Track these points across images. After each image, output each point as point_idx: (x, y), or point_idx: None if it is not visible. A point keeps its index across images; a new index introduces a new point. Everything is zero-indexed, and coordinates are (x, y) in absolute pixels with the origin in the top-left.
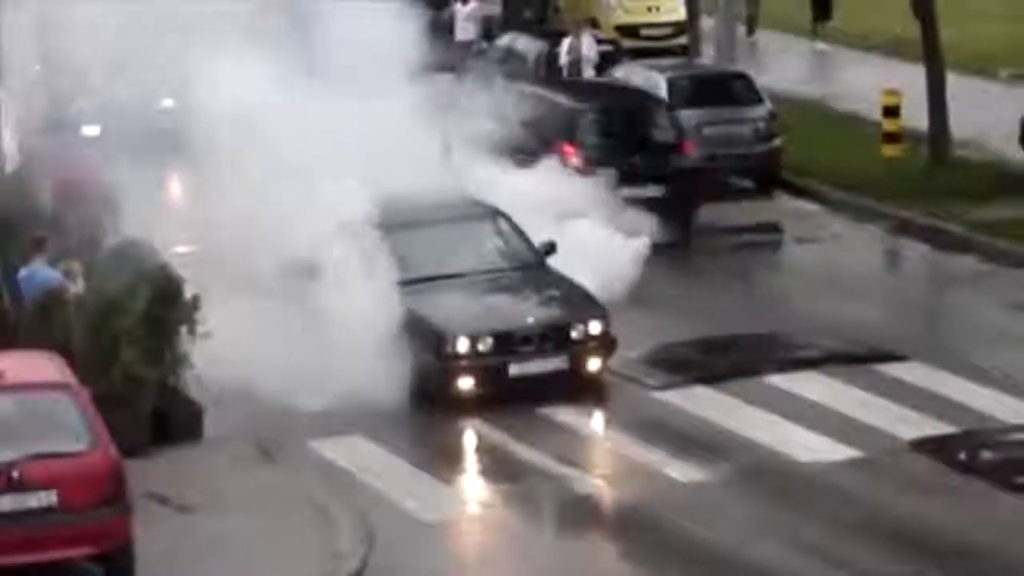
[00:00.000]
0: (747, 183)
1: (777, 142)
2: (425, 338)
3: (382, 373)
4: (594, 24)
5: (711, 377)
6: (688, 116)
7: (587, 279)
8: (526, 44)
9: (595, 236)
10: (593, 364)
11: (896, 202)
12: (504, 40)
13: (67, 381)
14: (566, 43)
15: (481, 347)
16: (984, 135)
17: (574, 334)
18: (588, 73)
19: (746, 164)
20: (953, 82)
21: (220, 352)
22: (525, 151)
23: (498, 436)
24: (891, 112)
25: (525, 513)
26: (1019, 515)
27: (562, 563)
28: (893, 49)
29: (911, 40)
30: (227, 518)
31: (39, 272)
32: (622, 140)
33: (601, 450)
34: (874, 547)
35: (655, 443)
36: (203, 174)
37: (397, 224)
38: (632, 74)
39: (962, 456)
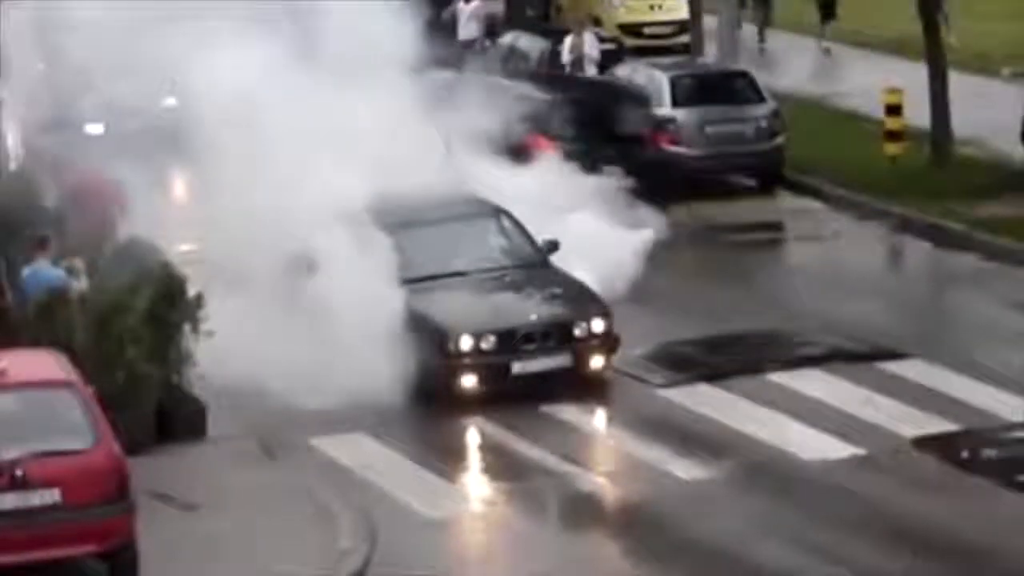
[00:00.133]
0: (749, 181)
1: (779, 140)
2: (428, 336)
3: (385, 371)
4: (597, 22)
5: (714, 375)
6: (690, 114)
7: (589, 273)
8: (529, 43)
9: (597, 230)
10: (596, 362)
11: (898, 200)
12: (507, 39)
13: (70, 379)
14: (568, 42)
15: (484, 345)
16: (986, 133)
17: (577, 332)
18: (591, 72)
19: (748, 162)
20: (955, 80)
21: (223, 350)
22: (511, 145)
23: (501, 434)
24: (893, 110)
25: (528, 511)
26: (1021, 513)
27: (565, 561)
28: (895, 47)
29: (913, 38)
30: (230, 516)
31: (42, 271)
32: (594, 132)
33: (604, 448)
34: (876, 544)
35: (658, 441)
36: (205, 172)
37: (400, 222)
38: (634, 72)
39: (964, 454)
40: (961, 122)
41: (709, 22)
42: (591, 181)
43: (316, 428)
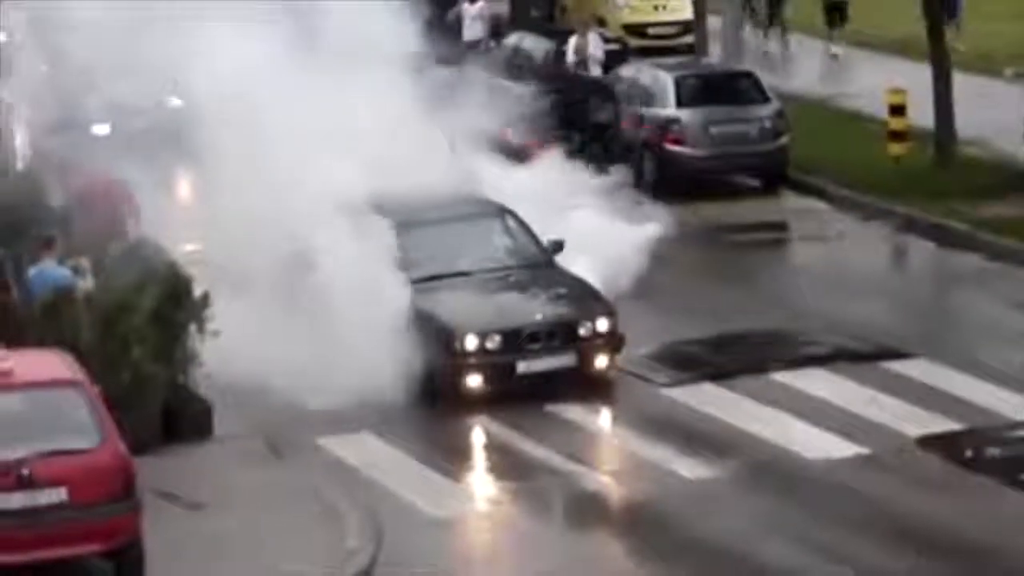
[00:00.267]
0: (754, 181)
1: (784, 140)
2: (433, 336)
3: (390, 371)
4: (601, 23)
5: (718, 374)
6: (695, 114)
7: (594, 269)
8: (533, 43)
9: (601, 226)
10: (601, 361)
11: (902, 200)
12: (511, 39)
13: (76, 378)
14: (572, 42)
15: (489, 345)
16: (989, 134)
17: (582, 331)
18: (595, 72)
19: (753, 162)
20: (959, 81)
21: (229, 350)
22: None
23: (506, 433)
24: (897, 111)
25: (533, 510)
26: None
27: (570, 560)
28: (900, 48)
29: (918, 39)
30: (236, 515)
31: (48, 271)
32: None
33: (609, 447)
34: (880, 543)
35: (662, 440)
36: (211, 172)
37: (405, 222)
38: (639, 73)
39: (968, 453)
40: (965, 122)
41: (713, 22)
42: (595, 178)
43: (322, 427)
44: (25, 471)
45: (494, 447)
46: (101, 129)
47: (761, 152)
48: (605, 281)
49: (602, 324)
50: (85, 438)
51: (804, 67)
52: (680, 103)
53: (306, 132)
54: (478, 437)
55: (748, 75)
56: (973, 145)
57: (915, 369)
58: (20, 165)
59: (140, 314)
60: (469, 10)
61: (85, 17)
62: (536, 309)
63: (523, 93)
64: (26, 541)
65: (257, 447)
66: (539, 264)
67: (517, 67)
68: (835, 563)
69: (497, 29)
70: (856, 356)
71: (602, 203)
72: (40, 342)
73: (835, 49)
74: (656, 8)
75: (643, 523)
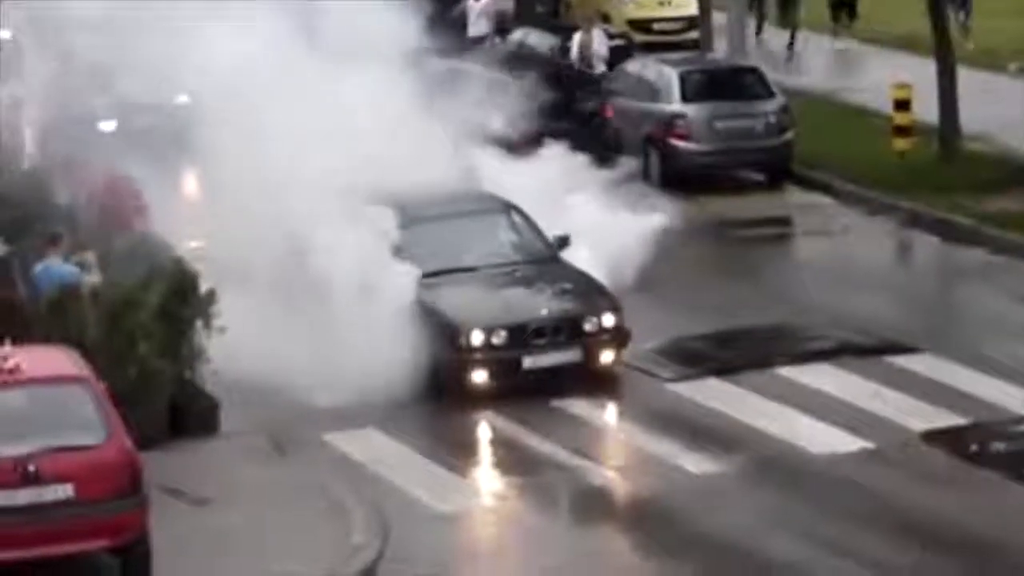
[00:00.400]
0: (759, 176)
1: (788, 135)
2: (439, 331)
3: (396, 366)
4: (606, 18)
5: (724, 369)
6: (700, 110)
7: (598, 262)
8: (538, 39)
9: (606, 218)
10: (606, 356)
11: (907, 195)
12: (516, 35)
13: (82, 374)
14: (577, 38)
15: (495, 340)
16: (994, 128)
17: (587, 327)
18: (599, 68)
19: (758, 157)
20: (963, 76)
21: (235, 346)
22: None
23: (512, 428)
24: (902, 105)
25: (539, 505)
26: None
27: (575, 555)
28: (904, 43)
29: (923, 35)
30: (242, 511)
31: (54, 267)
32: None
33: (614, 442)
34: (885, 538)
35: (668, 435)
36: (217, 169)
37: (411, 218)
38: (644, 68)
39: (973, 447)
40: (969, 117)
41: (718, 18)
42: (600, 172)
43: (328, 423)
44: (32, 467)
45: (500, 442)
46: (107, 126)
47: (766, 147)
48: (610, 276)
49: (607, 319)
50: (91, 434)
51: (809, 62)
52: (685, 98)
53: (311, 129)
54: (484, 432)
55: (753, 70)
56: (977, 140)
57: (920, 364)
58: (26, 162)
59: (146, 310)
60: (474, 7)
61: (89, 15)
62: (542, 305)
63: (513, 84)
64: (33, 537)
65: (262, 443)
66: (544, 260)
67: (519, 60)
68: (840, 557)
69: (502, 25)
70: (861, 351)
71: (608, 197)
72: (46, 338)
73: (840, 44)
74: (661, 4)
75: (649, 518)
